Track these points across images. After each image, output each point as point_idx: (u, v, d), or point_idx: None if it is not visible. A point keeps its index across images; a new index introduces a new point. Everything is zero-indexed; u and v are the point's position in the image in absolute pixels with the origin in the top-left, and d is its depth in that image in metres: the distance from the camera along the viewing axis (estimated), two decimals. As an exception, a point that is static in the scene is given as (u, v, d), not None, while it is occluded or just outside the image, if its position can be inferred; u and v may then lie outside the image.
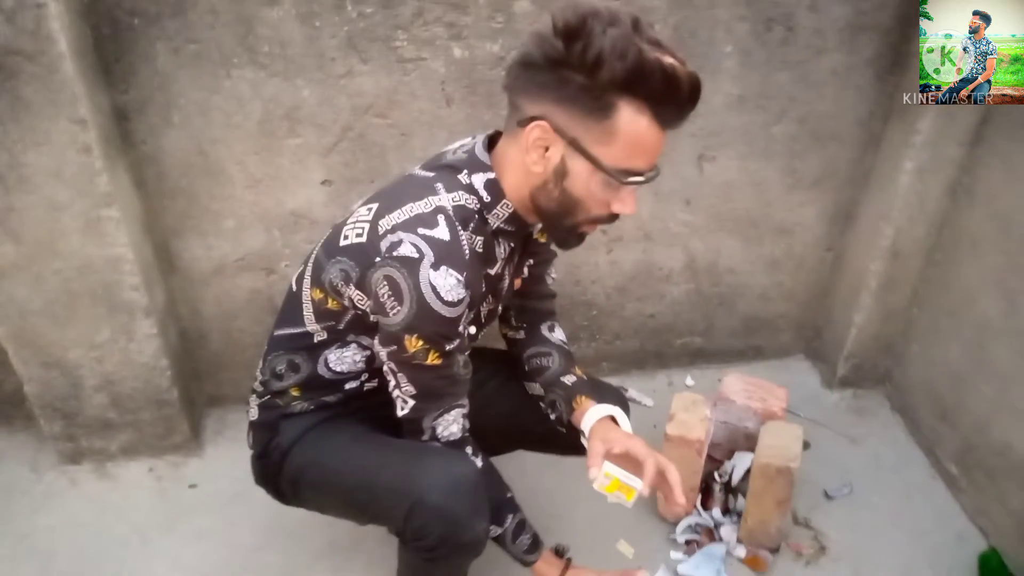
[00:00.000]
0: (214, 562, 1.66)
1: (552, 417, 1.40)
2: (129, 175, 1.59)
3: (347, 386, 1.30)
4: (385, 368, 1.19)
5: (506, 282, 1.31)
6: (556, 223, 1.16)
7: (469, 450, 1.26)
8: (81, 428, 1.81)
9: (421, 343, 1.10)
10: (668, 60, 0.98)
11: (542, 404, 1.42)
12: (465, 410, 1.24)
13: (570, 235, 1.18)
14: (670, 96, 1.00)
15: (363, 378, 1.30)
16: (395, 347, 1.12)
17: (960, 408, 1.78)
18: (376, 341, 1.17)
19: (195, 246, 1.74)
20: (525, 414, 1.43)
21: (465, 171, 1.15)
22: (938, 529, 1.74)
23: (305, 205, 1.72)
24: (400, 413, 1.22)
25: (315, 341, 1.26)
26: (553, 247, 1.37)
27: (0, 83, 1.34)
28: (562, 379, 1.38)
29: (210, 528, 1.72)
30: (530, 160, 1.08)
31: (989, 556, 1.64)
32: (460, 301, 1.08)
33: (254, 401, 1.35)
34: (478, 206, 1.15)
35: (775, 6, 1.60)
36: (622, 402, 1.44)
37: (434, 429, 1.22)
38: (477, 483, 1.20)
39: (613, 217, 1.13)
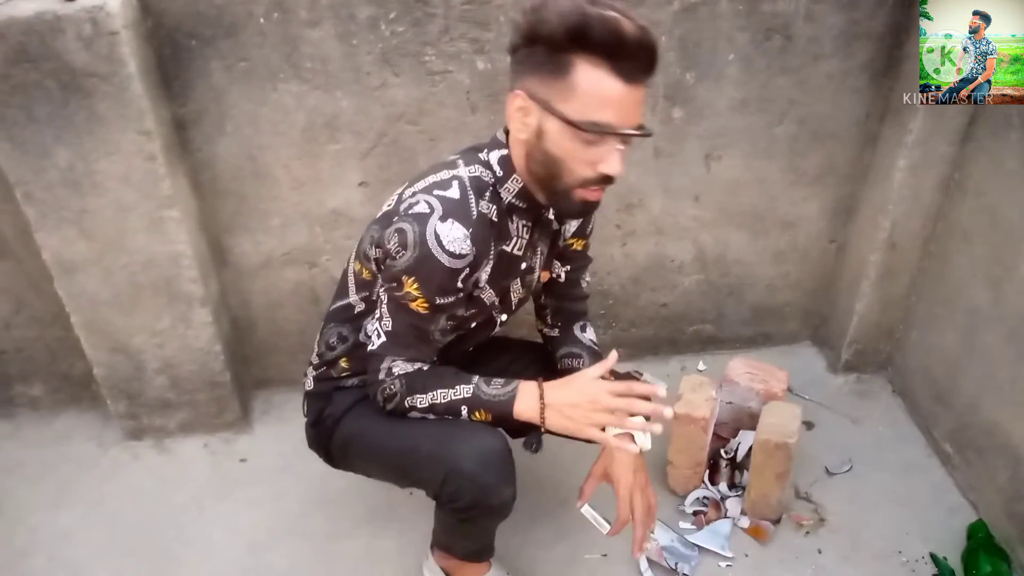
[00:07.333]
0: (264, 527, 1.79)
1: None
2: (187, 179, 1.74)
3: None
4: (378, 299, 1.29)
5: (536, 274, 1.42)
6: (549, 188, 1.21)
7: (425, 366, 1.30)
8: (143, 407, 1.96)
9: (416, 286, 1.19)
10: (610, 14, 1.05)
11: None
12: (424, 366, 1.30)
13: (567, 201, 1.21)
14: (618, 47, 1.06)
15: None
16: (393, 284, 1.22)
17: (954, 390, 1.88)
18: (379, 281, 1.28)
19: (245, 242, 1.88)
20: None
21: (485, 149, 1.27)
22: (932, 503, 1.83)
23: (344, 204, 1.85)
24: (369, 347, 1.30)
25: (355, 312, 1.38)
26: (571, 228, 1.46)
27: (78, 101, 1.50)
28: None
29: (260, 497, 1.86)
30: (516, 129, 1.17)
31: (977, 526, 1.73)
32: (463, 255, 1.17)
33: (310, 373, 1.47)
34: (492, 180, 1.24)
35: (773, 17, 1.70)
36: None
37: (390, 369, 1.29)
38: (505, 454, 1.29)
39: (605, 179, 1.17)
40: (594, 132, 1.11)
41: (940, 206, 1.88)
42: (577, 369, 1.48)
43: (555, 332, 1.59)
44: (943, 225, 1.89)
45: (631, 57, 1.08)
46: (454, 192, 1.21)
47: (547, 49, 1.09)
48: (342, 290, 1.42)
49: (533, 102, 1.13)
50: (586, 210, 1.26)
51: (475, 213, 1.21)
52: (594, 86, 1.09)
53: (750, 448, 1.78)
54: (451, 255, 1.17)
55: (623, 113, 1.12)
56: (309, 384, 1.49)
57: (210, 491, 1.89)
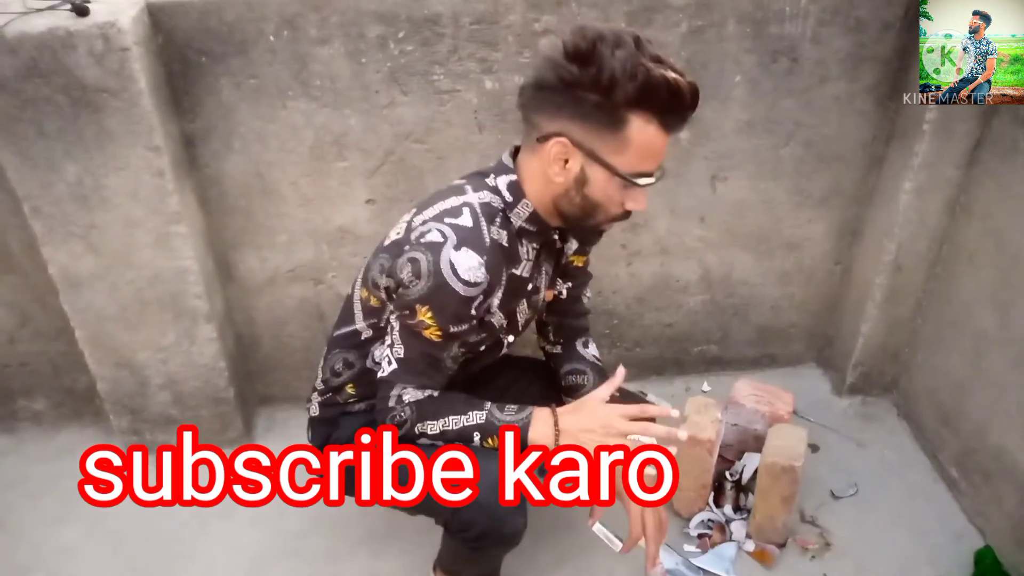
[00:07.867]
0: (265, 546, 1.78)
1: None
2: (195, 195, 1.74)
3: None
4: (389, 326, 1.28)
5: (541, 294, 1.41)
6: (579, 224, 1.25)
7: (435, 393, 1.31)
8: (146, 423, 1.96)
9: (430, 314, 1.18)
10: (672, 75, 1.07)
11: None
12: (435, 392, 1.30)
13: (592, 233, 1.32)
14: (675, 106, 1.10)
15: None
16: (406, 311, 1.21)
17: (960, 414, 1.87)
18: (390, 307, 1.27)
19: (251, 258, 1.88)
20: None
21: (492, 175, 1.26)
22: (938, 528, 1.82)
23: (351, 222, 1.85)
24: (380, 373, 1.29)
25: (363, 338, 1.37)
26: (572, 246, 1.46)
27: (88, 116, 1.51)
28: None
29: (261, 516, 1.84)
30: (552, 172, 1.17)
31: (984, 553, 1.71)
32: (477, 283, 1.16)
33: (315, 399, 1.47)
34: (502, 205, 1.24)
35: (780, 39, 1.71)
36: None
37: (400, 396, 1.28)
38: None
39: (627, 214, 1.22)
40: (638, 183, 1.15)
41: (946, 229, 1.87)
42: (582, 385, 1.49)
43: (557, 349, 1.59)
44: (949, 248, 1.89)
45: (683, 114, 1.13)
46: (466, 219, 1.20)
47: (603, 102, 1.09)
48: (347, 316, 1.40)
49: (576, 149, 1.14)
50: (601, 236, 1.33)
51: (488, 240, 1.20)
52: (646, 141, 1.12)
53: (755, 471, 1.77)
54: (466, 284, 1.16)
55: (660, 159, 1.17)
56: (314, 410, 1.48)
57: (212, 509, 1.87)
